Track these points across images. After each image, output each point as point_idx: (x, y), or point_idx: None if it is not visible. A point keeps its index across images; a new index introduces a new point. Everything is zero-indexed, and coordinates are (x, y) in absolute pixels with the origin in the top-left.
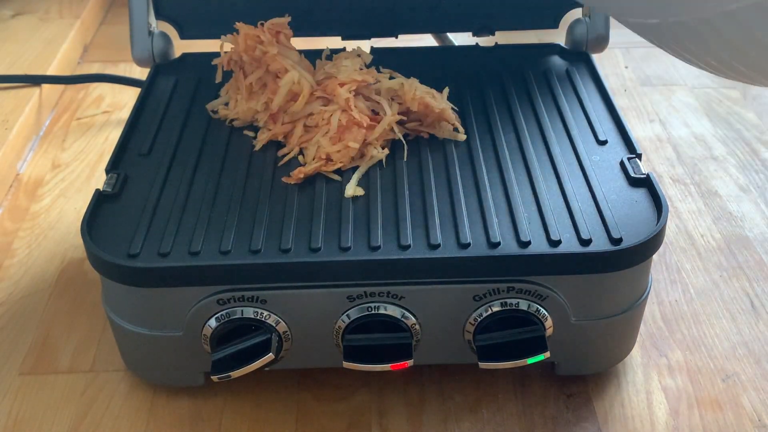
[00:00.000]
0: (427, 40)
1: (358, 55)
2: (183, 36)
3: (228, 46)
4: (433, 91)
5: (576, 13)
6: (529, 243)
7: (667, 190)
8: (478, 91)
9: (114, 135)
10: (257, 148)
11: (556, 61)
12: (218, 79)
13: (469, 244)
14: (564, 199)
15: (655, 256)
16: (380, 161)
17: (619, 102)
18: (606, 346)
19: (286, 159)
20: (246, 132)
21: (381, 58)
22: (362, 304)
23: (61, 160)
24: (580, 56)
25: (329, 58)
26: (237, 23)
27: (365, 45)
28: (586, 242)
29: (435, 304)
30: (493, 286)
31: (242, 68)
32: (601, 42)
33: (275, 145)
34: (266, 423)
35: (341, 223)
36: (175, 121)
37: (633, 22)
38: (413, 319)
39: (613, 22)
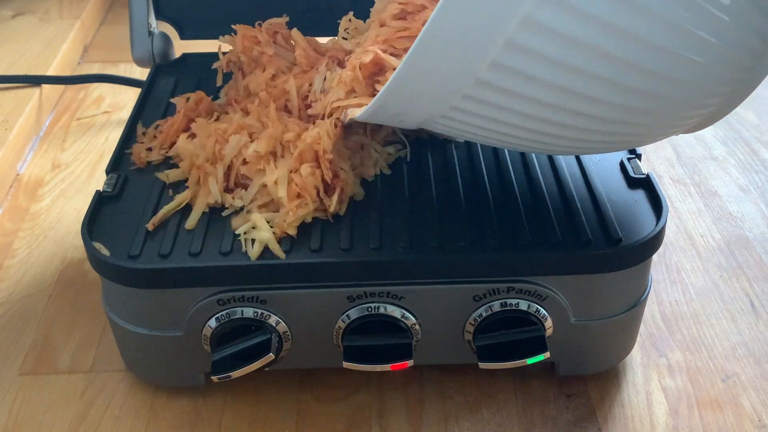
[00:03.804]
0: None
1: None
2: (183, 36)
3: (226, 47)
4: None
5: None
6: (529, 243)
7: (667, 190)
8: None
9: (114, 135)
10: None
11: None
12: (219, 82)
13: (468, 245)
14: (564, 199)
15: (655, 256)
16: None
17: None
18: (606, 346)
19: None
20: None
21: None
22: (362, 304)
23: (61, 160)
24: None
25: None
26: (235, 25)
27: None
28: (585, 242)
29: (435, 304)
30: (493, 286)
31: (241, 69)
32: None
33: None
34: (266, 423)
35: (341, 223)
36: None
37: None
38: (413, 319)
39: None
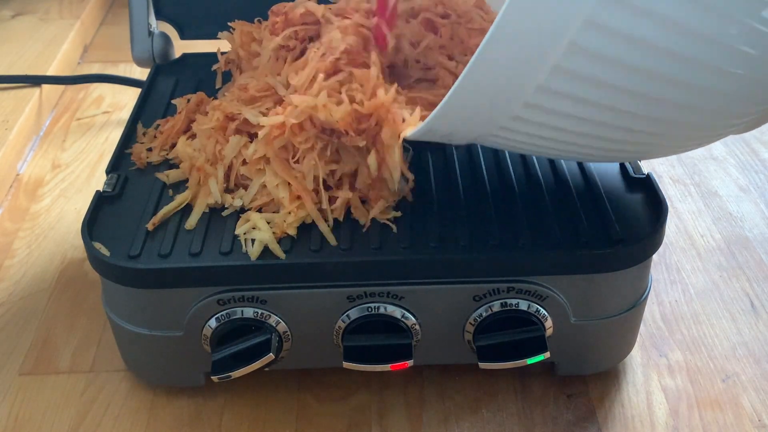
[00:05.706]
0: None
1: None
2: (183, 36)
3: (225, 46)
4: None
5: None
6: (529, 243)
7: (667, 190)
8: None
9: (114, 135)
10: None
11: None
12: (218, 84)
13: (469, 244)
14: (564, 199)
15: (655, 256)
16: None
17: None
18: (606, 346)
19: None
20: None
21: None
22: (362, 304)
23: (61, 160)
24: None
25: None
26: (233, 22)
27: None
28: (585, 242)
29: (435, 304)
30: (493, 286)
31: (239, 66)
32: None
33: None
34: (266, 423)
35: (341, 223)
36: None
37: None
38: (413, 319)
39: None
